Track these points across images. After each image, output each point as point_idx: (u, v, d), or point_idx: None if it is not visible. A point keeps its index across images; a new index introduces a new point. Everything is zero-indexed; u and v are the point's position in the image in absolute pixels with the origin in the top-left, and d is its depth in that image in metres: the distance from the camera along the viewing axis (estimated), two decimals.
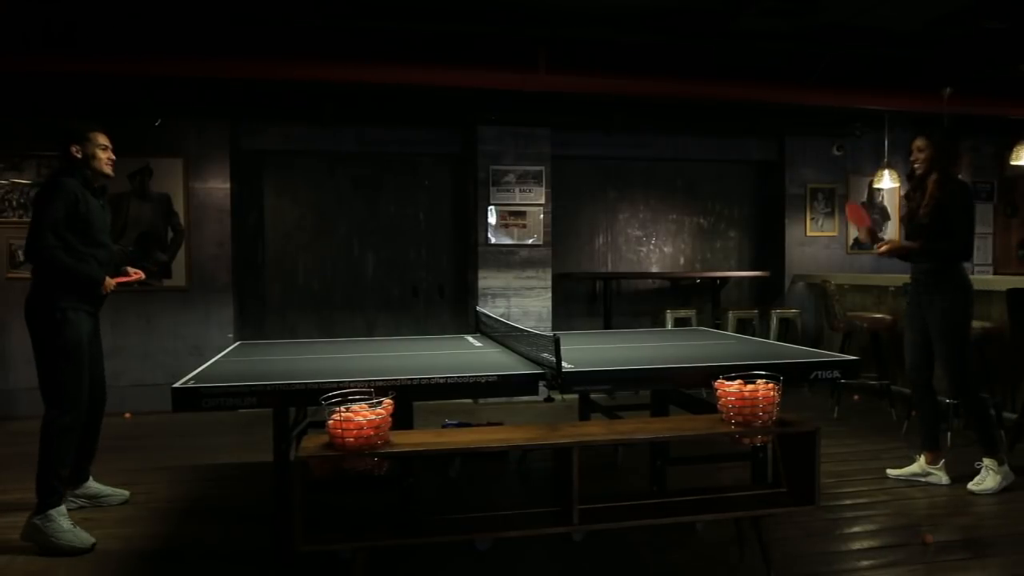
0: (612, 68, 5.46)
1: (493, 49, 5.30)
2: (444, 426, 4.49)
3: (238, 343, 4.43)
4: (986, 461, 3.83)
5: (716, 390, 2.76)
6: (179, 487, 4.06)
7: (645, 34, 5.10)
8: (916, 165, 3.89)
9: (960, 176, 3.84)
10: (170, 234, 6.05)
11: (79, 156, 3.40)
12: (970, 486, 3.81)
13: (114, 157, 3.55)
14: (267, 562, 3.02)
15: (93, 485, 3.72)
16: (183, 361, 5.79)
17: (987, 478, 3.79)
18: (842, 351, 5.61)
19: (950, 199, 3.76)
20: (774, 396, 2.70)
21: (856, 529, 3.38)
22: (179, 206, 6.06)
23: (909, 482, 3.96)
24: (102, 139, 3.50)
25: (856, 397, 6.19)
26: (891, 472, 4.07)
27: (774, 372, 2.72)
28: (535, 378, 2.86)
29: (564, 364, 2.89)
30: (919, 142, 3.85)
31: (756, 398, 2.69)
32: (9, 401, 5.74)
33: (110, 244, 3.55)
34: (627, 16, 4.86)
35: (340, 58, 5.24)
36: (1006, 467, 3.83)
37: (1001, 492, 3.78)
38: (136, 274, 3.70)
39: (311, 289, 6.62)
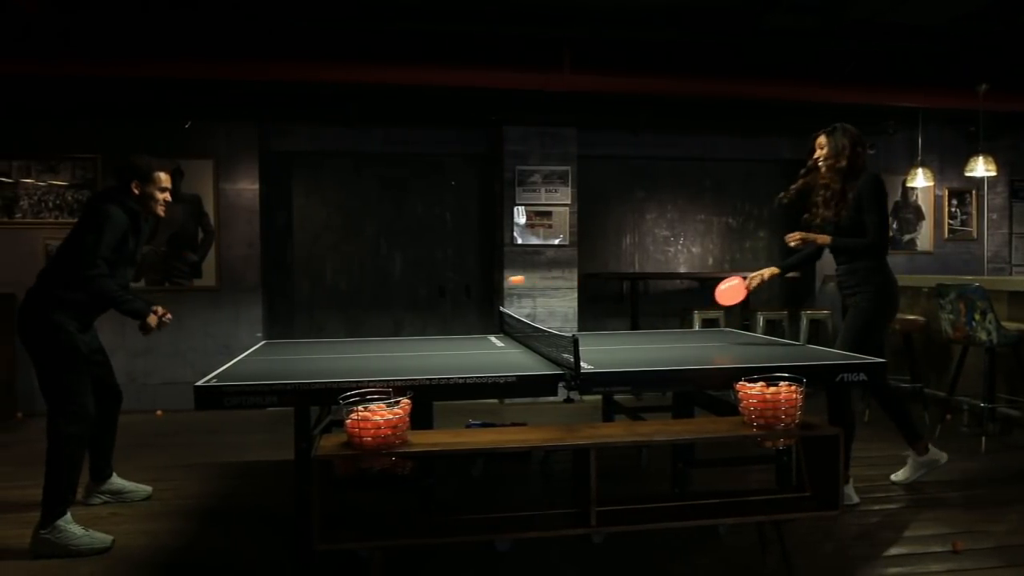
0: (637, 67, 5.41)
1: (517, 49, 5.29)
2: (467, 426, 4.49)
3: (263, 342, 4.48)
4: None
5: (738, 392, 2.72)
6: (205, 484, 4.11)
7: (670, 32, 5.05)
8: (817, 160, 3.81)
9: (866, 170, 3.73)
10: (200, 235, 6.14)
11: (136, 192, 3.41)
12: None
13: (170, 199, 3.56)
14: (288, 560, 3.05)
15: (117, 481, 3.79)
16: (213, 360, 5.83)
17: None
18: None
19: (858, 191, 3.66)
20: (797, 399, 2.65)
21: (884, 535, 3.31)
22: (209, 207, 6.15)
23: (920, 482, 3.90)
24: (164, 181, 3.49)
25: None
26: (894, 477, 3.98)
27: (798, 374, 2.68)
28: (554, 379, 2.84)
29: (584, 365, 2.86)
30: (820, 139, 3.81)
31: (778, 401, 2.65)
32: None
33: (129, 274, 3.54)
34: (652, 14, 4.83)
35: (365, 59, 5.27)
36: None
37: None
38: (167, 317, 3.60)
39: (339, 289, 6.67)
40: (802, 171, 3.91)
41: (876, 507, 3.65)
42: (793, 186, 3.94)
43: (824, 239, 3.74)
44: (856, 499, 3.69)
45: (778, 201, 4.04)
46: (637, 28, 5.03)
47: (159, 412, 6.00)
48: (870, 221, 3.65)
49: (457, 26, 4.99)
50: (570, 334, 2.82)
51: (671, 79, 5.41)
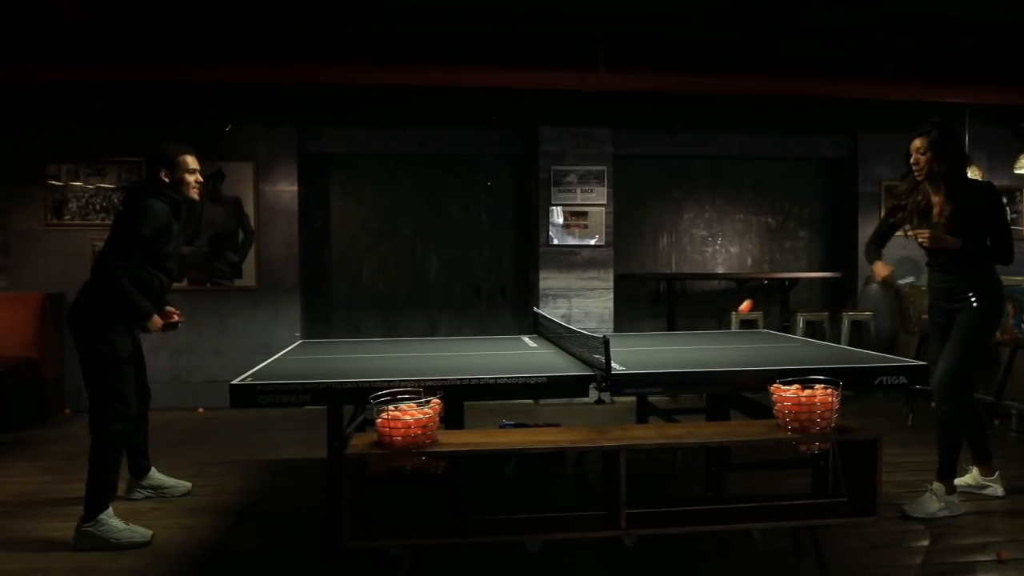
0: (672, 65, 5.36)
1: (551, 49, 5.28)
2: (501, 426, 4.50)
3: (300, 342, 4.54)
4: (934, 485, 3.53)
5: (772, 394, 2.69)
6: (244, 480, 4.18)
7: (705, 30, 4.98)
8: (916, 168, 3.50)
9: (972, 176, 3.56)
10: (241, 236, 6.25)
11: (167, 180, 3.45)
12: (905, 507, 3.51)
13: (202, 179, 3.60)
14: (322, 556, 3.09)
15: (156, 476, 3.87)
16: (253, 359, 5.85)
17: (927, 503, 3.48)
18: (918, 355, 5.38)
19: (978, 200, 3.43)
20: (832, 402, 2.60)
21: (924, 543, 3.22)
22: (249, 208, 6.26)
23: (962, 494, 3.69)
24: (191, 163, 3.52)
25: (934, 404, 5.90)
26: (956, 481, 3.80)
27: (834, 377, 2.63)
28: (585, 380, 2.83)
29: (615, 366, 2.85)
30: (917, 143, 3.48)
31: (813, 404, 2.61)
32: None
33: (174, 266, 3.58)
34: (688, 12, 4.77)
35: (401, 61, 5.31)
36: (954, 497, 3.51)
37: None
38: (178, 318, 3.67)
39: (375, 289, 6.74)
40: (900, 186, 3.70)
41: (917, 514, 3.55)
42: (901, 204, 3.67)
43: (956, 242, 3.43)
44: (1001, 491, 3.69)
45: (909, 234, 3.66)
46: (671, 26, 4.96)
47: (200, 410, 6.12)
48: (997, 230, 3.43)
49: (490, 27, 4.99)
50: (603, 334, 2.80)
51: (707, 77, 5.34)
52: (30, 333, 5.75)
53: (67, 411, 5.97)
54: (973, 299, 3.47)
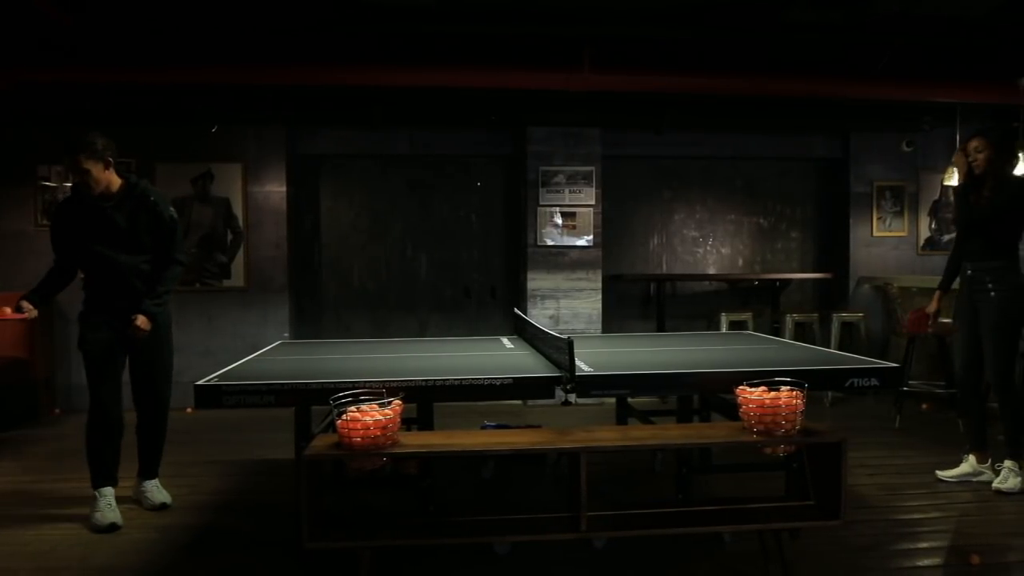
0: (659, 65, 5.34)
1: (537, 49, 5.27)
2: (483, 427, 4.49)
3: (279, 343, 4.54)
4: (1007, 463, 3.84)
5: (737, 396, 2.67)
6: (223, 480, 4.19)
7: (690, 29, 4.96)
8: (975, 165, 3.85)
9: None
10: (229, 236, 6.26)
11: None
12: (995, 484, 3.82)
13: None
14: (292, 556, 3.09)
15: (145, 488, 3.76)
16: (241, 359, 5.96)
17: (1009, 478, 3.80)
18: (907, 357, 5.36)
19: (1016, 193, 3.78)
20: (797, 404, 2.58)
21: (898, 546, 3.19)
22: (238, 209, 6.26)
23: (961, 484, 3.92)
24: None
25: (924, 406, 5.88)
26: (940, 473, 4.02)
27: (804, 379, 2.61)
28: (551, 381, 2.82)
29: (583, 367, 2.85)
30: (976, 143, 3.84)
31: (778, 406, 2.59)
32: (80, 394, 6.03)
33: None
34: (672, 11, 4.76)
35: (389, 62, 5.31)
36: None
37: None
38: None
39: (366, 290, 6.73)
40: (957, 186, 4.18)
41: (896, 516, 3.52)
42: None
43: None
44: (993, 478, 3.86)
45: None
46: (656, 26, 4.95)
47: (189, 409, 6.12)
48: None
49: (476, 28, 4.99)
50: (568, 336, 2.79)
51: (692, 77, 5.32)
52: (20, 333, 5.76)
53: (56, 411, 5.99)
54: (992, 290, 3.79)
